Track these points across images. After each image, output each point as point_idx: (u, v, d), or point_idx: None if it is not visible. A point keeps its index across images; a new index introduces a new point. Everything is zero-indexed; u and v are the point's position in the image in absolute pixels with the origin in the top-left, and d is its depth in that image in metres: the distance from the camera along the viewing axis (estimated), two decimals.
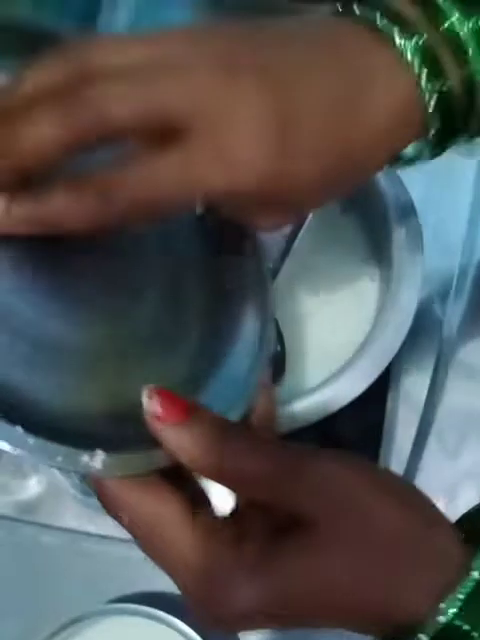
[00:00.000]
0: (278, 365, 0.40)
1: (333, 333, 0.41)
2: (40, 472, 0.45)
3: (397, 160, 0.30)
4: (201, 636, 0.42)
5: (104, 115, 0.23)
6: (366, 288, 0.41)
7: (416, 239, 0.39)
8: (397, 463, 0.43)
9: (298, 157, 0.25)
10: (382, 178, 0.39)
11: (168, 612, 0.43)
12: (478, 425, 0.43)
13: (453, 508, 0.40)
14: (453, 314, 0.46)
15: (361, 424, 0.42)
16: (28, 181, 0.24)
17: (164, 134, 0.24)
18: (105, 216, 0.24)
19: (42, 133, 0.23)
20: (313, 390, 0.37)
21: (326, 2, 0.28)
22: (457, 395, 0.44)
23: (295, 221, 0.30)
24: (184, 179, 0.24)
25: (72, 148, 0.24)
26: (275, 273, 0.40)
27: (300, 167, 0.25)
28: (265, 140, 0.24)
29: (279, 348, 0.40)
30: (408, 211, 0.39)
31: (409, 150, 0.29)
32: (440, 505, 0.40)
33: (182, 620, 0.42)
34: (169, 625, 0.42)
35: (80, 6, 0.54)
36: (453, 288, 0.46)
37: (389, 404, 0.43)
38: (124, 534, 0.43)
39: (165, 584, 0.45)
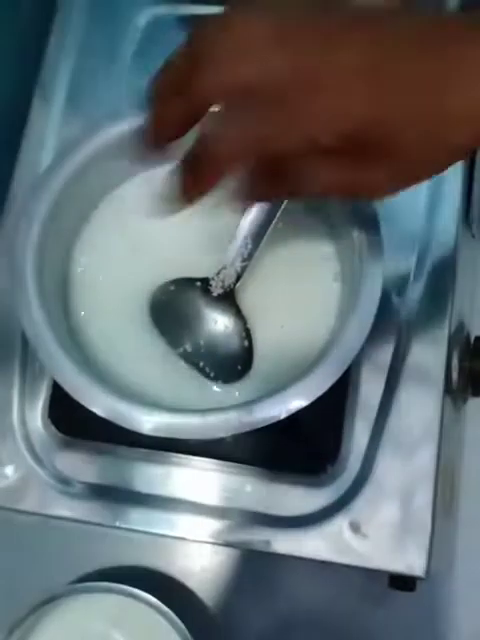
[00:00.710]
0: (245, 360, 0.42)
1: (297, 331, 0.42)
2: (15, 461, 0.46)
3: None
4: (171, 609, 0.43)
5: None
6: (330, 287, 0.42)
7: (377, 239, 0.39)
8: (355, 461, 0.44)
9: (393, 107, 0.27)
10: None
11: (141, 587, 0.44)
12: (432, 426, 0.44)
13: (407, 509, 0.43)
14: (410, 311, 0.47)
15: (321, 420, 0.43)
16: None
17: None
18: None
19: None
20: (277, 389, 0.37)
21: None
22: (411, 396, 0.45)
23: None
24: None
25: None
26: (242, 271, 0.41)
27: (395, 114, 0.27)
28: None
29: (246, 343, 0.42)
30: (370, 214, 0.40)
31: None
32: (395, 505, 0.43)
33: (152, 594, 0.44)
34: (142, 600, 0.44)
35: None
36: (410, 282, 0.47)
37: (348, 401, 0.45)
38: (92, 517, 0.45)
39: (135, 559, 0.48)
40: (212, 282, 0.42)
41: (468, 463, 0.51)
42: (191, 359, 0.42)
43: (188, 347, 0.42)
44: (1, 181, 0.51)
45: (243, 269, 0.41)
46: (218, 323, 0.42)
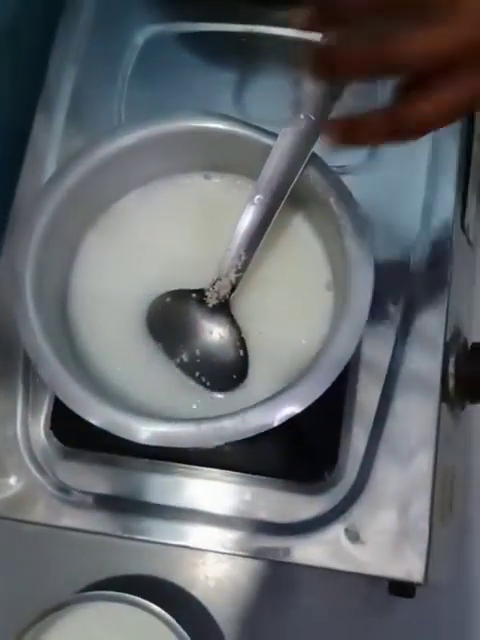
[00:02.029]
0: (241, 370, 0.42)
1: (291, 339, 0.42)
2: (19, 472, 0.47)
3: None
4: (175, 617, 0.44)
5: None
6: (322, 296, 0.42)
7: (366, 246, 0.40)
8: (352, 469, 0.45)
9: None
10: (331, 191, 0.41)
11: (145, 596, 0.44)
12: (428, 431, 0.45)
13: (405, 515, 0.43)
14: (406, 318, 0.47)
15: (318, 428, 0.44)
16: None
17: None
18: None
19: None
20: (272, 397, 0.38)
21: None
22: (408, 403, 0.45)
23: None
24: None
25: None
26: (237, 282, 0.42)
27: None
28: None
29: (242, 353, 0.42)
30: (359, 221, 0.40)
31: None
32: (393, 512, 0.43)
33: (156, 603, 0.44)
34: (146, 609, 0.44)
35: None
36: (406, 289, 0.47)
37: (346, 409, 0.45)
38: (98, 527, 0.46)
39: (139, 568, 0.48)
40: (207, 293, 0.43)
41: (472, 470, 0.51)
42: (188, 369, 0.42)
43: (185, 357, 0.42)
44: (5, 196, 0.52)
45: (237, 280, 0.42)
46: (213, 333, 0.43)
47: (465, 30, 0.30)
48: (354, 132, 0.35)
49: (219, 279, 0.42)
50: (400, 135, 0.34)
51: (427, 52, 0.31)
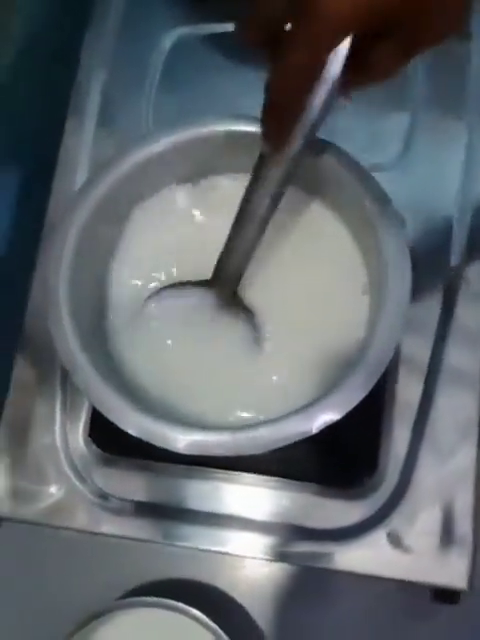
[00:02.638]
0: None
1: (327, 344, 0.42)
2: (59, 480, 0.47)
3: None
4: (216, 623, 0.44)
5: None
6: (358, 300, 0.42)
7: (403, 244, 0.39)
8: (393, 472, 0.44)
9: None
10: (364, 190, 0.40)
11: (186, 602, 0.45)
12: (470, 428, 0.44)
13: (448, 519, 0.43)
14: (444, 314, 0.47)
15: (358, 432, 0.43)
16: None
17: None
18: None
19: None
20: (310, 404, 0.37)
21: None
22: (450, 399, 0.45)
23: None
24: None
25: None
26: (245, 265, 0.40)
27: None
28: None
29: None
30: (394, 217, 0.40)
31: None
32: (435, 516, 0.42)
33: (198, 608, 0.44)
34: (187, 615, 0.44)
35: None
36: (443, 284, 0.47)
37: (385, 411, 0.45)
38: (138, 534, 0.46)
39: (180, 573, 0.48)
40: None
41: None
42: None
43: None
44: (40, 203, 0.53)
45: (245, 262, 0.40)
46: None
47: None
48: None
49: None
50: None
51: (347, 14, 0.30)
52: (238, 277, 0.41)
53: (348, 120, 0.49)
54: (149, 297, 0.43)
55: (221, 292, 0.42)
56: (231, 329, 0.42)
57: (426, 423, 0.45)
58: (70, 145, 0.54)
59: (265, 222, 0.39)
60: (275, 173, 0.37)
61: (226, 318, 0.42)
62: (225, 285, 0.41)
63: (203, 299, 0.42)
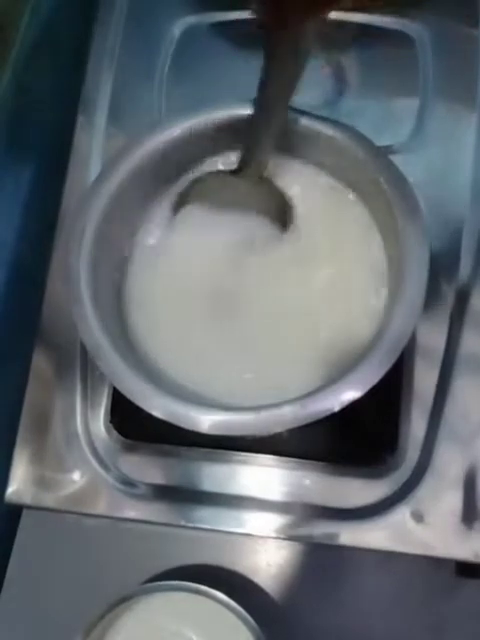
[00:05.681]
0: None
1: (346, 322, 0.42)
2: (82, 466, 0.48)
3: None
4: (239, 604, 0.44)
5: None
6: (378, 278, 0.42)
7: (421, 225, 0.39)
8: (413, 452, 0.45)
9: None
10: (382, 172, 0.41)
11: (209, 585, 0.45)
12: None
13: (470, 494, 0.43)
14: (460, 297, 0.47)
15: (377, 411, 0.44)
16: None
17: None
18: None
19: None
20: (331, 382, 0.37)
21: None
22: (466, 382, 0.45)
23: None
24: None
25: None
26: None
27: None
28: None
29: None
30: (413, 202, 0.40)
31: None
32: (457, 492, 0.42)
33: (221, 591, 0.45)
34: (212, 597, 0.44)
35: None
36: (460, 268, 0.47)
37: (404, 391, 0.45)
38: (160, 518, 0.46)
39: (202, 557, 0.49)
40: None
41: None
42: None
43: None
44: (54, 197, 0.53)
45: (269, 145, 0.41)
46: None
47: None
48: None
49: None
50: None
51: None
52: (265, 162, 0.42)
53: (359, 103, 0.49)
54: (182, 191, 0.44)
55: (249, 178, 0.42)
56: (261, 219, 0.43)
57: (443, 408, 0.45)
58: (82, 138, 0.54)
59: (285, 103, 0.39)
60: (283, 51, 0.36)
61: (256, 203, 0.43)
62: (253, 170, 0.42)
63: (234, 186, 0.43)
